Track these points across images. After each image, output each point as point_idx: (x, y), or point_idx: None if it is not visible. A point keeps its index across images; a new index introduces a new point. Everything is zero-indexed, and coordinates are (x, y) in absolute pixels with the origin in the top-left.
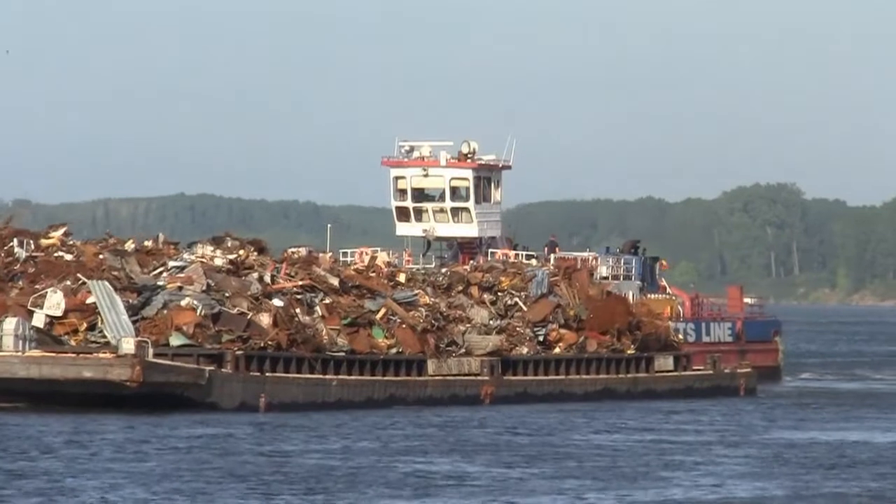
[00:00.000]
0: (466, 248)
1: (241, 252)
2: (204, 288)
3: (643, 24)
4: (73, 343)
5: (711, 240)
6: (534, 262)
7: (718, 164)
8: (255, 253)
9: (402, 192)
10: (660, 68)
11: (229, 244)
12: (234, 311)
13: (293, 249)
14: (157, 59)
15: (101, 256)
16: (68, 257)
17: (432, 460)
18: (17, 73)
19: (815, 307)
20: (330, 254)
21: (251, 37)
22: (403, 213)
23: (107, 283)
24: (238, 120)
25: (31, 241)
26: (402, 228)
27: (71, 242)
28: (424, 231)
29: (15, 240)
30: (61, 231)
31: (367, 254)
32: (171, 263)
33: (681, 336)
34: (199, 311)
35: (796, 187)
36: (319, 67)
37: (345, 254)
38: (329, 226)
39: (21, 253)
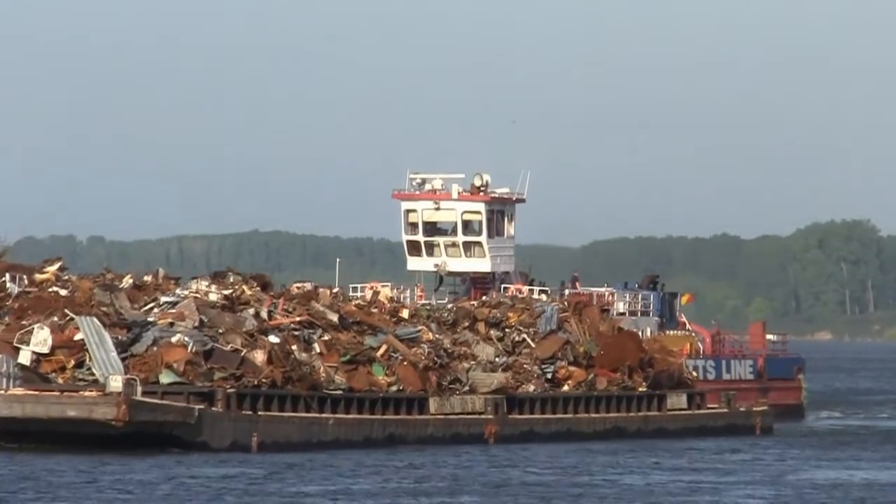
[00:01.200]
0: (479, 283)
1: (244, 287)
2: (196, 324)
3: (715, 57)
4: (60, 381)
5: (786, 277)
6: (543, 297)
7: (793, 201)
8: (258, 288)
9: (414, 225)
10: (731, 103)
11: (231, 279)
12: (228, 347)
13: (298, 285)
14: (228, 96)
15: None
16: (63, 292)
17: None
18: (90, 110)
19: (890, 344)
20: (338, 289)
21: (323, 72)
22: (414, 248)
23: (95, 319)
24: (310, 154)
25: (25, 276)
26: (413, 263)
27: (66, 277)
28: (436, 266)
29: (7, 274)
30: (56, 266)
31: (376, 289)
32: (164, 299)
33: (695, 373)
34: (190, 347)
35: (871, 224)
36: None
37: (355, 289)
38: (338, 260)
39: (13, 288)
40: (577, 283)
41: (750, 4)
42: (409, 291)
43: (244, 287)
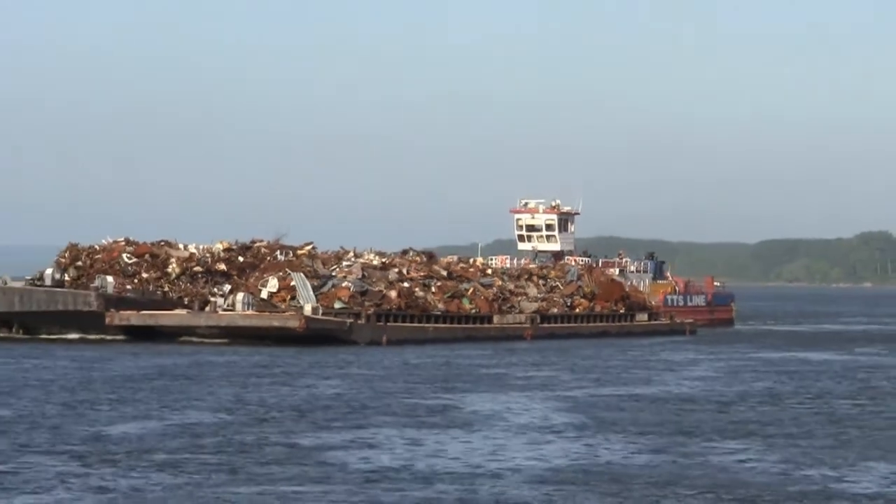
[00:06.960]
0: (556, 257)
1: (407, 258)
2: (360, 277)
3: None
4: (282, 307)
5: None
6: (572, 263)
7: None
8: (425, 259)
9: (521, 226)
10: None
11: (410, 254)
12: (376, 289)
13: (450, 257)
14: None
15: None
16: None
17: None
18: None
19: None
20: (474, 258)
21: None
22: (521, 238)
23: (302, 274)
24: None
25: (291, 252)
26: (521, 246)
27: (314, 254)
28: (532, 247)
29: (279, 251)
30: (310, 246)
31: (505, 261)
32: (344, 263)
33: (651, 301)
34: (351, 289)
35: None
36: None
37: (491, 258)
38: (479, 245)
39: (281, 258)
40: (620, 256)
41: None
42: (517, 261)
43: (410, 258)
